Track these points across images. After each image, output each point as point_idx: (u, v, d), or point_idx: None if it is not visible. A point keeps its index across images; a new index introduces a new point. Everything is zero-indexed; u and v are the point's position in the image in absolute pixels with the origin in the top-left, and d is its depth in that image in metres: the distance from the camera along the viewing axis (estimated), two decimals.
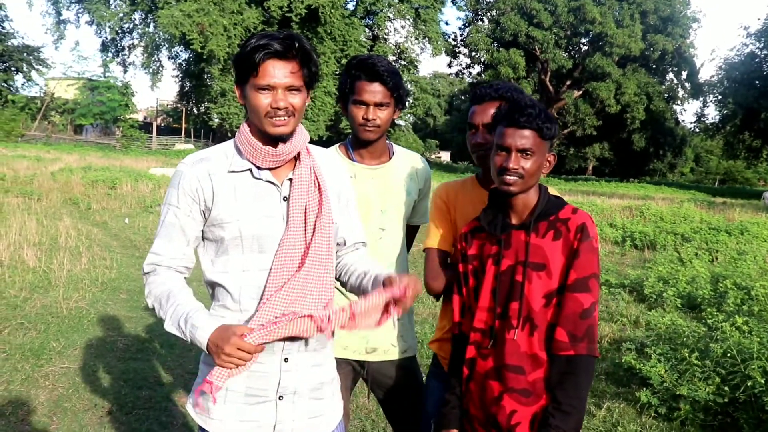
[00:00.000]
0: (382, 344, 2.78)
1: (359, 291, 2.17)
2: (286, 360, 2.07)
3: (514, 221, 2.25)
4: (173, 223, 2.07)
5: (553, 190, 2.35)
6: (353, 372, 2.86)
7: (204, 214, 2.06)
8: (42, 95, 52.74)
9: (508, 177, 2.14)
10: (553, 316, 2.15)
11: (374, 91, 2.68)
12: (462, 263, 2.37)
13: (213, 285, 2.11)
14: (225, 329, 1.88)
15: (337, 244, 2.22)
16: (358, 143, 2.83)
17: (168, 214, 2.08)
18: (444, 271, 2.56)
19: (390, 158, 2.91)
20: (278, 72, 1.95)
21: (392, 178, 2.86)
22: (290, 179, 2.09)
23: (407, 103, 2.71)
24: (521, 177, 2.14)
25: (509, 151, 2.14)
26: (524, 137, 2.13)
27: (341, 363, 2.79)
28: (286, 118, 1.98)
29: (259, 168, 2.05)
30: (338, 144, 2.96)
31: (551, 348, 2.14)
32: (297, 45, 1.96)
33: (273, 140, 2.03)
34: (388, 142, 2.95)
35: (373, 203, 2.80)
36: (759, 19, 50.21)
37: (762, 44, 44.94)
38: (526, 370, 2.15)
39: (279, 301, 1.97)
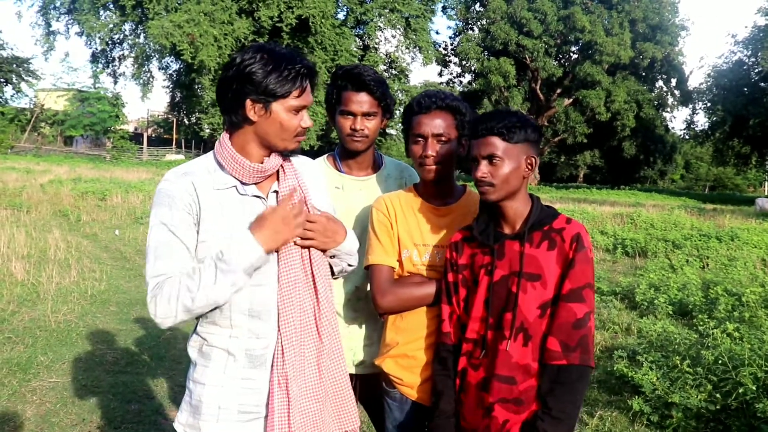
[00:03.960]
0: (369, 357, 2.75)
1: None
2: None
3: (506, 231, 2.24)
4: (171, 241, 1.96)
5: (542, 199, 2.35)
6: None
7: (196, 227, 2.00)
8: (32, 107, 52.65)
9: (481, 187, 2.18)
10: (548, 326, 2.14)
11: (361, 101, 2.66)
12: (452, 272, 2.35)
13: None
14: (260, 221, 1.96)
15: None
16: (346, 154, 2.80)
17: (161, 233, 1.96)
18: (392, 287, 2.45)
19: (379, 169, 2.88)
20: (308, 93, 2.01)
21: (381, 189, 2.83)
22: (275, 191, 2.08)
23: (397, 112, 2.68)
24: (491, 185, 2.16)
25: (477, 161, 2.19)
26: (488, 144, 2.16)
27: None
28: (304, 135, 2.07)
29: (244, 183, 2.03)
30: (326, 155, 2.94)
31: (543, 357, 2.13)
32: (314, 65, 2.03)
33: (271, 154, 2.04)
34: (377, 152, 2.93)
35: (359, 216, 2.77)
36: (746, 27, 50.54)
37: (750, 52, 45.20)
38: (518, 380, 2.14)
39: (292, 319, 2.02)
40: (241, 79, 1.94)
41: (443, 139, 2.43)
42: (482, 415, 2.19)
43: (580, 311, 2.10)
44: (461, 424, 2.29)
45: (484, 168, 2.17)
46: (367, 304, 2.52)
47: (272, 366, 2.01)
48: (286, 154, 2.08)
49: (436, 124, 2.42)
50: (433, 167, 2.43)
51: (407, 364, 2.50)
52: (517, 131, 2.16)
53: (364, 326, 2.78)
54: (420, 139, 2.45)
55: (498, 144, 2.16)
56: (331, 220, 2.12)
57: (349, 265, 2.25)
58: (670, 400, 4.64)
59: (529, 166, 2.20)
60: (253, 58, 1.93)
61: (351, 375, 2.77)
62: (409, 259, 2.50)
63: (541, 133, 2.27)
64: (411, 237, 2.51)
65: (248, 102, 1.95)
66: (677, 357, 4.95)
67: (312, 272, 2.08)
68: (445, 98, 2.46)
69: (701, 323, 6.28)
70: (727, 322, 5.69)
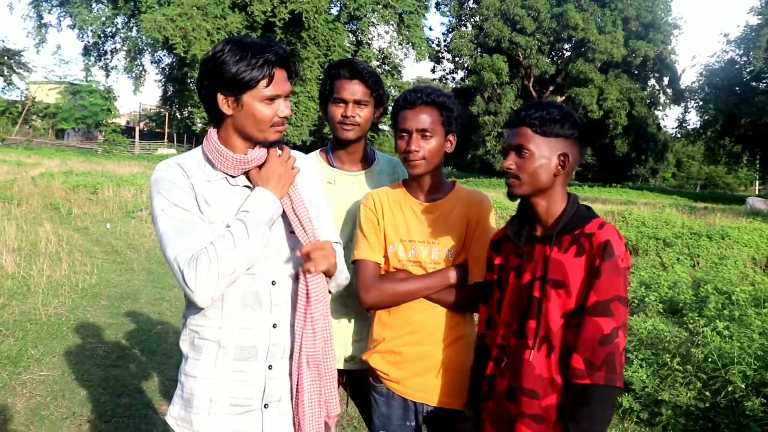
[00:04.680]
0: (359, 353, 2.75)
1: None
2: (270, 367, 2.05)
3: (538, 233, 2.12)
4: (188, 218, 1.93)
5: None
6: None
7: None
8: (23, 99, 52.29)
9: (507, 179, 2.11)
10: (572, 339, 1.98)
11: (353, 89, 2.66)
12: (489, 272, 2.30)
13: None
14: (263, 176, 2.02)
15: None
16: (338, 144, 2.79)
17: (176, 213, 1.93)
18: (376, 283, 2.47)
19: (371, 164, 2.88)
20: (283, 81, 1.98)
21: (373, 184, 2.82)
22: None
23: (390, 107, 2.67)
24: (516, 178, 2.07)
25: (506, 151, 2.13)
26: (517, 135, 2.09)
27: None
28: (285, 124, 2.04)
29: (231, 176, 2.03)
30: (318, 150, 2.93)
31: (567, 374, 1.98)
32: (286, 51, 1.98)
33: (255, 146, 2.03)
34: (369, 148, 2.92)
35: (351, 211, 2.77)
36: (738, 26, 50.93)
37: (741, 51, 45.38)
38: (540, 395, 2.03)
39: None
40: (211, 74, 1.95)
41: (428, 134, 2.41)
42: (504, 426, 2.12)
43: (607, 326, 1.92)
44: (487, 431, 2.22)
45: (510, 159, 2.08)
46: (357, 299, 2.52)
47: (291, 355, 2.06)
48: (268, 145, 2.04)
49: (421, 119, 2.41)
50: (418, 162, 2.42)
51: (393, 360, 2.50)
52: (552, 124, 2.03)
53: (353, 322, 2.78)
54: (404, 134, 2.44)
55: (528, 135, 2.05)
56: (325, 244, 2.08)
57: (346, 279, 2.27)
58: (659, 398, 4.66)
59: (562, 164, 2.06)
60: (221, 52, 1.93)
61: (340, 370, 2.78)
62: (395, 254, 2.51)
63: (583, 130, 2.11)
64: (397, 233, 2.51)
65: (220, 96, 1.96)
66: (667, 355, 4.97)
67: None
68: (431, 93, 2.44)
69: (691, 321, 6.31)
70: (717, 321, 5.71)
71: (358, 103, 2.68)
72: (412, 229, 2.51)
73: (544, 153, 2.05)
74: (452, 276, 2.45)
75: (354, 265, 2.53)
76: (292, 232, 2.08)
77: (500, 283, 2.22)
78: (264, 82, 1.93)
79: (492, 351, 2.21)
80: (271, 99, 1.95)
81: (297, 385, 2.06)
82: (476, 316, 2.47)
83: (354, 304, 2.69)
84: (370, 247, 2.51)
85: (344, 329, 2.77)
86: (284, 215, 2.07)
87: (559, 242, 2.04)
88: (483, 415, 2.23)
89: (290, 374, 2.09)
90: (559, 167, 2.06)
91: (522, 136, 2.06)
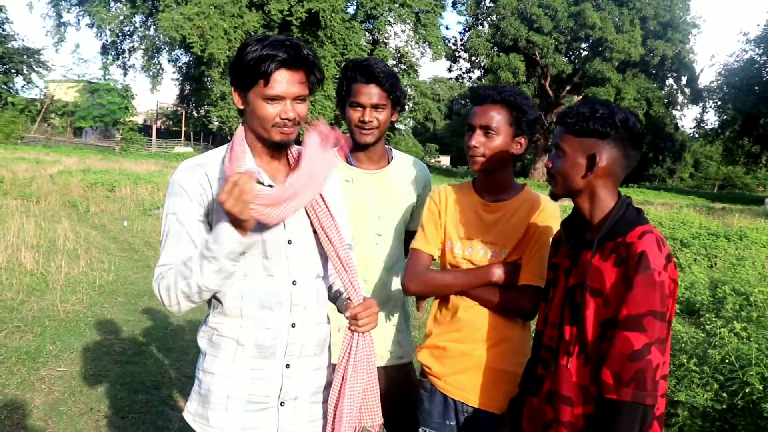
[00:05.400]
0: (378, 350, 2.76)
1: (334, 303, 2.29)
2: (287, 366, 2.06)
3: (587, 236, 2.05)
4: (179, 232, 1.98)
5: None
6: None
7: (208, 217, 2.01)
8: (42, 97, 52.76)
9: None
10: (606, 350, 1.91)
11: (370, 93, 2.66)
12: (548, 270, 2.26)
13: None
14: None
15: None
16: (356, 146, 2.80)
17: (172, 224, 1.99)
18: (420, 272, 2.49)
19: (389, 163, 2.88)
20: (288, 83, 1.94)
21: (391, 183, 2.83)
22: None
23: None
24: (552, 177, 2.07)
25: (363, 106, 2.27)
26: (555, 134, 2.08)
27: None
28: (293, 127, 2.00)
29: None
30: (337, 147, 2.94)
31: (598, 387, 1.92)
32: (304, 54, 1.96)
33: (275, 147, 2.03)
34: (387, 146, 2.92)
35: (370, 208, 2.78)
36: (758, 26, 50.44)
37: (761, 50, 45.01)
38: (574, 402, 2.00)
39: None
40: (230, 68, 2.01)
41: (491, 132, 2.37)
42: (542, 428, 2.10)
43: (638, 342, 1.83)
44: (524, 428, 2.22)
45: (550, 158, 2.07)
46: (383, 302, 2.55)
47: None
48: (274, 145, 2.03)
49: (487, 116, 2.38)
50: (476, 158, 2.40)
51: (438, 355, 2.52)
52: (584, 122, 1.97)
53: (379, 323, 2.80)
54: (470, 129, 2.44)
55: (563, 134, 2.02)
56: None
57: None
58: (676, 399, 4.63)
59: (590, 165, 1.98)
60: (242, 48, 1.95)
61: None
62: (451, 251, 2.51)
63: (620, 128, 1.98)
64: (457, 229, 2.51)
65: (234, 91, 2.02)
66: (684, 356, 4.94)
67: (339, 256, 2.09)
68: (503, 92, 2.40)
69: (708, 322, 6.27)
70: (735, 322, 5.67)
71: (375, 107, 2.68)
72: (471, 228, 2.49)
73: (576, 153, 1.99)
74: (496, 273, 2.41)
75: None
76: (315, 232, 2.09)
77: (554, 282, 2.18)
78: (262, 82, 1.92)
79: (540, 351, 2.19)
80: (273, 99, 1.94)
81: (340, 388, 2.07)
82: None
83: (382, 305, 2.69)
84: (426, 239, 2.54)
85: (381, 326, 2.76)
86: (308, 216, 2.08)
87: (602, 249, 1.98)
88: (524, 410, 2.22)
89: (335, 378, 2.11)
90: (588, 169, 1.98)
91: (558, 134, 2.04)
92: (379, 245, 2.80)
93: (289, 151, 2.11)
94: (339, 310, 2.26)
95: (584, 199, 2.03)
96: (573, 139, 1.99)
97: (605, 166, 1.97)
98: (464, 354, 2.45)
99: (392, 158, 2.90)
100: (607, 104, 2.00)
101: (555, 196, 2.12)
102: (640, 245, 1.88)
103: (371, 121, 2.69)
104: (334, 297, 2.27)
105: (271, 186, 2.02)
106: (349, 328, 2.06)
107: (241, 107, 2.02)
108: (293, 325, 2.05)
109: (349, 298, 2.09)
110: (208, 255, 1.85)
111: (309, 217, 2.09)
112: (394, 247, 2.83)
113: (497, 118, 2.38)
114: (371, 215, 2.78)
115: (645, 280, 1.84)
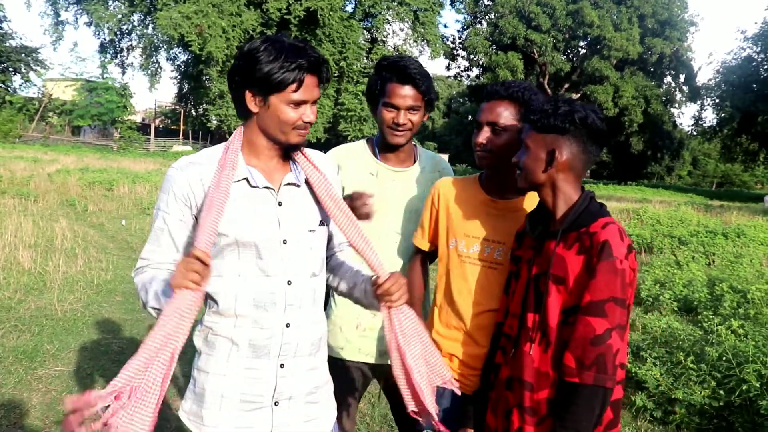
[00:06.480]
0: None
1: (350, 297, 2.25)
2: (282, 366, 2.05)
3: (552, 227, 2.11)
4: (162, 229, 2.02)
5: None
6: (363, 377, 2.82)
7: (195, 218, 2.00)
8: (40, 96, 52.76)
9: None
10: (567, 336, 1.99)
11: (405, 95, 2.61)
12: (512, 263, 2.29)
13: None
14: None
15: (327, 241, 2.25)
16: (385, 146, 2.76)
17: (158, 219, 2.03)
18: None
19: (414, 161, 2.84)
20: (312, 87, 1.96)
21: (414, 182, 2.79)
22: (289, 183, 2.08)
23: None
24: (519, 169, 2.13)
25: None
26: (523, 131, 2.15)
27: (352, 368, 2.76)
28: (307, 129, 2.02)
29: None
30: (365, 139, 2.91)
31: (560, 372, 2.00)
32: (320, 58, 1.98)
33: (288, 149, 2.04)
34: (413, 144, 2.88)
35: (391, 205, 2.74)
36: (756, 23, 50.45)
37: (759, 48, 44.98)
38: (535, 387, 2.06)
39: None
40: (243, 70, 1.94)
41: (498, 128, 2.34)
42: (503, 415, 2.15)
43: (599, 327, 1.91)
44: (487, 420, 2.25)
45: (517, 153, 2.15)
46: None
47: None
48: (289, 147, 2.04)
49: (494, 112, 2.35)
50: (482, 154, 2.38)
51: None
52: (544, 119, 2.04)
53: None
54: (477, 125, 2.41)
55: (527, 130, 2.10)
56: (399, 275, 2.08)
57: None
58: (673, 396, 4.64)
59: (550, 160, 2.05)
60: (256, 50, 1.92)
61: (376, 365, 2.77)
62: (455, 249, 2.47)
63: (579, 125, 2.03)
64: (462, 227, 2.47)
65: (248, 94, 1.96)
66: (681, 353, 4.95)
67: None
68: (511, 87, 2.36)
69: (706, 320, 6.28)
70: (732, 319, 5.68)
71: (410, 108, 2.64)
72: (477, 225, 2.45)
73: (538, 148, 2.07)
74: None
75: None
76: (311, 231, 2.09)
77: (516, 274, 2.22)
78: (293, 87, 1.92)
79: (500, 340, 2.24)
80: (298, 104, 1.95)
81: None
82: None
83: None
84: (419, 231, 2.62)
85: (377, 323, 2.73)
86: (303, 214, 2.08)
87: (565, 238, 2.05)
88: (489, 402, 2.26)
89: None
90: (548, 163, 2.05)
91: (524, 131, 2.12)
92: (399, 243, 2.76)
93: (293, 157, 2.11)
94: (359, 302, 2.22)
95: (547, 192, 2.10)
96: (536, 135, 2.07)
97: (565, 161, 2.05)
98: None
99: (417, 156, 2.86)
100: (570, 102, 2.07)
101: (519, 190, 2.19)
102: (603, 234, 1.96)
103: (405, 123, 2.64)
104: (349, 289, 2.23)
105: (267, 188, 2.02)
106: (385, 305, 2.03)
107: (256, 110, 1.98)
108: (288, 325, 2.05)
109: (372, 280, 2.08)
110: (151, 291, 1.93)
111: (321, 205, 2.09)
112: (412, 246, 2.78)
113: (505, 114, 2.34)
114: (391, 212, 2.74)
115: (607, 267, 1.92)
